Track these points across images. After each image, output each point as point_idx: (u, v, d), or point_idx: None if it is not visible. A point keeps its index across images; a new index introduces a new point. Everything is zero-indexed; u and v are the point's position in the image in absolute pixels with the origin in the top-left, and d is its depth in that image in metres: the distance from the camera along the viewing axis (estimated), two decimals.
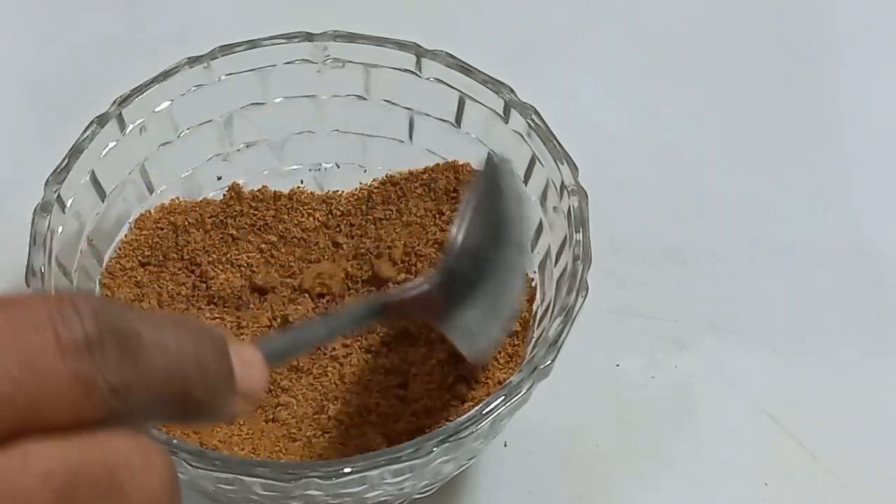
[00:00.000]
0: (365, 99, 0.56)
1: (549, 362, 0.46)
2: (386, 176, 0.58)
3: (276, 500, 0.45)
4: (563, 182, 0.51)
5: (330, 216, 0.57)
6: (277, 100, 0.57)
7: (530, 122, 0.52)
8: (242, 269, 0.56)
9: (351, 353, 0.53)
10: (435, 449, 0.43)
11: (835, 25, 0.71)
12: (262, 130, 0.57)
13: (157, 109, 0.54)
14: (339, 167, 0.58)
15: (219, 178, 0.58)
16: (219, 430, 0.50)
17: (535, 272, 0.53)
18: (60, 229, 0.51)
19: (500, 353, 0.51)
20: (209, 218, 0.57)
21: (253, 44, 0.55)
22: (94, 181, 0.53)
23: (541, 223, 0.53)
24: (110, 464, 0.28)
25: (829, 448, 0.54)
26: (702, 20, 0.71)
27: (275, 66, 0.55)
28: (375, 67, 0.55)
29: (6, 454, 0.27)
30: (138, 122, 0.54)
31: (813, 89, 0.68)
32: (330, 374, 0.53)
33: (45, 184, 0.50)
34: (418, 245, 0.55)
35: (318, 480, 0.43)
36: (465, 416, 0.44)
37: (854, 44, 0.70)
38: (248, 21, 0.69)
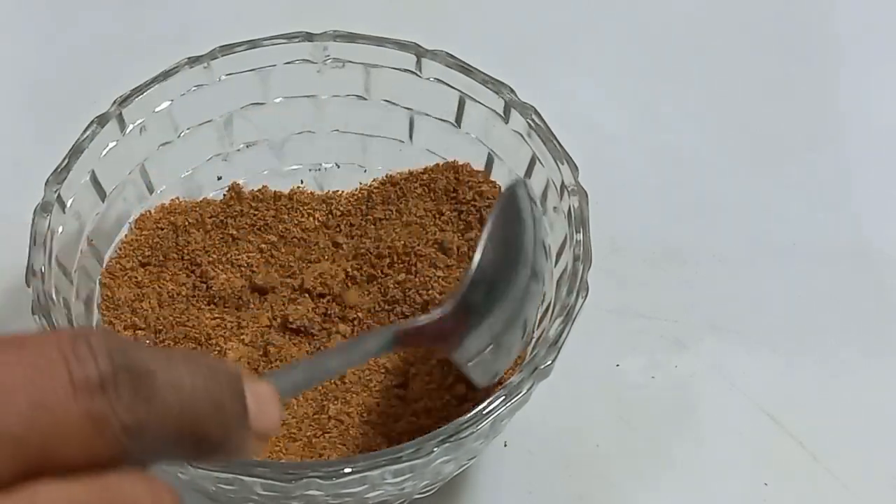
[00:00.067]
0: (365, 99, 0.56)
1: (549, 362, 0.46)
2: (386, 176, 0.58)
3: (277, 500, 0.45)
4: (563, 182, 0.51)
5: (330, 216, 0.57)
6: (277, 100, 0.57)
7: (530, 122, 0.52)
8: (242, 269, 0.56)
9: None
10: (435, 449, 0.43)
11: (835, 25, 0.71)
12: (262, 130, 0.57)
13: (157, 109, 0.54)
14: (339, 167, 0.58)
15: (219, 178, 0.58)
16: None
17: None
18: (60, 229, 0.51)
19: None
20: (209, 218, 0.57)
21: (253, 44, 0.55)
22: (95, 181, 0.53)
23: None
24: None
25: (829, 448, 0.54)
26: (702, 20, 0.71)
27: (275, 66, 0.55)
28: (375, 67, 0.55)
29: (14, 496, 0.27)
30: (138, 122, 0.54)
31: (813, 89, 0.68)
32: None
33: (46, 184, 0.50)
34: (418, 245, 0.55)
35: (318, 480, 0.43)
36: (465, 416, 0.44)
37: (854, 44, 0.70)
38: (248, 21, 0.69)
